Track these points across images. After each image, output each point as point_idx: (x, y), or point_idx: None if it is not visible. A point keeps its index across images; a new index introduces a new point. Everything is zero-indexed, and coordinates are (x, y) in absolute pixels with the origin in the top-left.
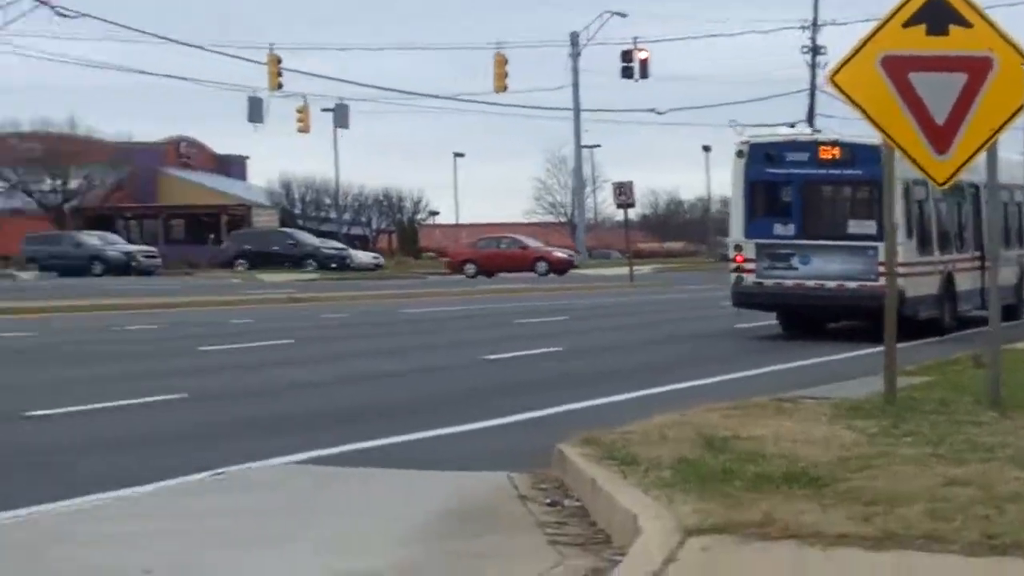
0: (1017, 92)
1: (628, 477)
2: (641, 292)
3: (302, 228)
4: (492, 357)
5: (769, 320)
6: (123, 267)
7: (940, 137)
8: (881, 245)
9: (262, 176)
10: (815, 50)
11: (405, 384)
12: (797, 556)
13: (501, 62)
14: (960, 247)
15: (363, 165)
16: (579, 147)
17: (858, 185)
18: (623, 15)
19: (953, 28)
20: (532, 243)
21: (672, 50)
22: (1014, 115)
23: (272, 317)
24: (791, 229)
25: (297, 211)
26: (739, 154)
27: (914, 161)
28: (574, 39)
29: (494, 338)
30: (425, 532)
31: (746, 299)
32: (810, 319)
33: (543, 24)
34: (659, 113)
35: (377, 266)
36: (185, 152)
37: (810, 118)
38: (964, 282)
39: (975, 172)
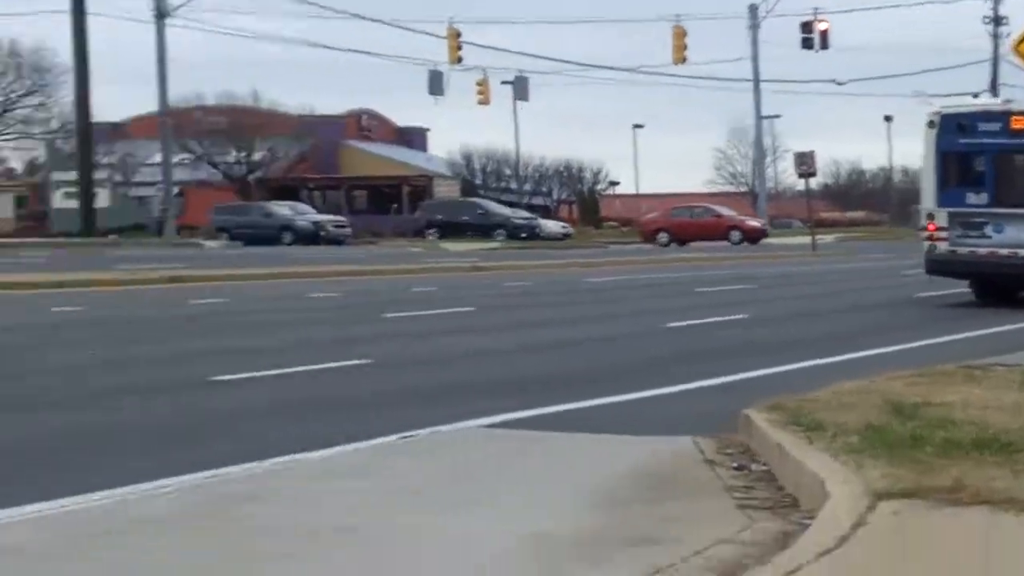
0: None
1: (814, 442)
2: (824, 261)
3: (484, 199)
4: (674, 325)
5: (954, 289)
6: (312, 237)
7: None
8: None
9: (442, 148)
10: (997, 20)
11: (586, 352)
12: (990, 521)
13: (680, 34)
14: None
15: (543, 137)
16: (759, 118)
17: None
18: None
19: None
20: (725, 212)
21: (851, 21)
22: None
23: (455, 285)
24: (984, 198)
25: (478, 182)
26: (930, 124)
27: None
28: (753, 11)
29: (676, 307)
30: (611, 496)
31: (939, 267)
32: (1003, 288)
33: None
34: (839, 84)
35: (566, 235)
36: (367, 124)
37: (993, 88)
38: None
39: None
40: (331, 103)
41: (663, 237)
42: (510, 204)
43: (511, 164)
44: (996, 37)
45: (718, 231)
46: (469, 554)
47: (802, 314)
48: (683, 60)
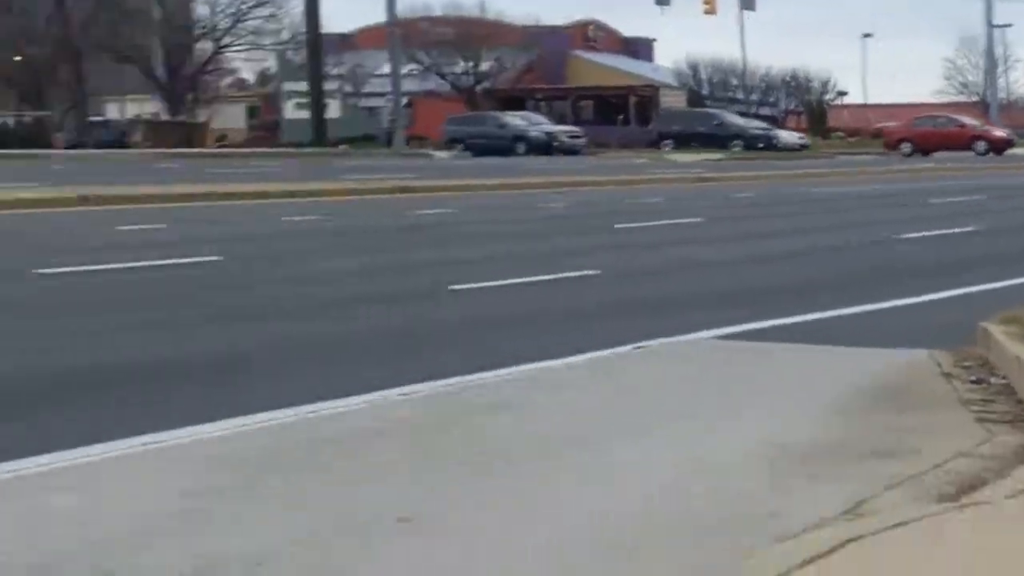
0: None
1: None
2: None
3: (716, 109)
4: (908, 236)
5: None
6: (545, 147)
7: None
8: None
9: (668, 58)
10: None
11: (817, 262)
12: None
13: None
14: None
15: (770, 47)
16: (990, 27)
17: None
18: None
19: None
20: (969, 121)
21: None
22: None
23: (682, 196)
24: None
25: (704, 92)
26: None
27: None
28: None
29: (908, 217)
30: (847, 407)
31: None
32: None
33: None
34: None
35: (803, 146)
36: (592, 35)
37: None
38: None
39: None
40: (556, 14)
41: (906, 147)
42: (741, 115)
43: (737, 74)
44: None
45: (962, 141)
46: (702, 462)
47: None
48: None
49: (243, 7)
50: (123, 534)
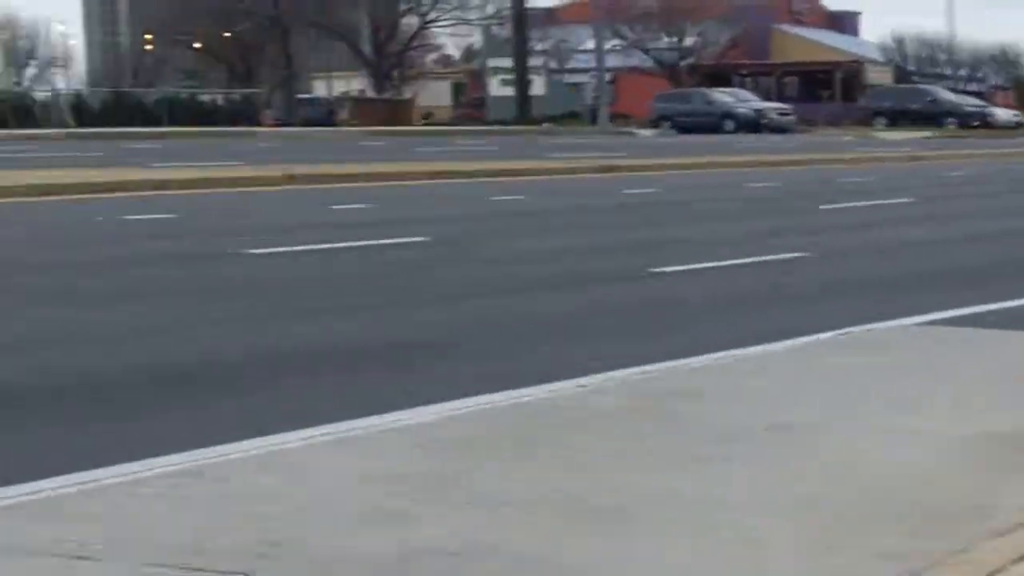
0: None
1: None
2: None
3: (926, 86)
4: None
5: None
6: (753, 125)
7: None
8: None
9: (873, 32)
10: None
11: None
12: None
13: None
14: None
15: (977, 20)
16: None
17: None
18: None
19: None
20: None
21: None
22: None
23: (892, 176)
24: None
25: (911, 68)
26: None
27: None
28: None
29: None
30: None
31: None
32: None
33: None
34: None
35: (1018, 124)
36: (798, 8)
37: None
38: None
39: None
40: None
41: None
42: (952, 91)
43: (944, 49)
44: None
45: None
46: (909, 453)
47: None
48: None
49: None
50: (333, 519)
